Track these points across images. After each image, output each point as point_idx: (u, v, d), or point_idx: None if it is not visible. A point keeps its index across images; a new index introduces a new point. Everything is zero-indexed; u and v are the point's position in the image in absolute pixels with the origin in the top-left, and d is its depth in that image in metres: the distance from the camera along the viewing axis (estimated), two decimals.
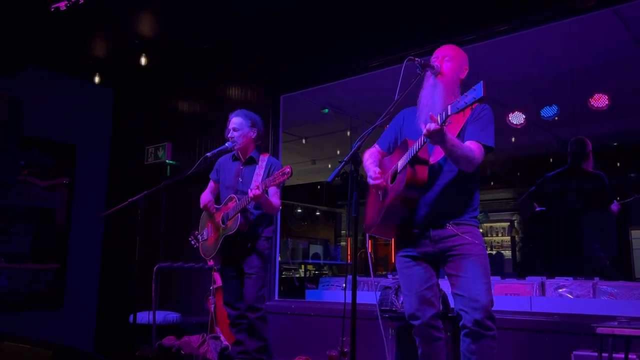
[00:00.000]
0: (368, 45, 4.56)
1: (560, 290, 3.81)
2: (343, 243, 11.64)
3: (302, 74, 5.04)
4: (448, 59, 2.61)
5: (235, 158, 3.79)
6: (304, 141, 7.70)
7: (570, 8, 3.59)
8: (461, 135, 2.52)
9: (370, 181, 2.58)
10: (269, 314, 3.74)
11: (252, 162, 3.69)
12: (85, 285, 6.43)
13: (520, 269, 7.80)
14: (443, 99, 2.50)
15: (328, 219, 12.30)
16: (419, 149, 2.39)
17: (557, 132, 6.67)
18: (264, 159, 3.69)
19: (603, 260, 4.36)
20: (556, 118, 5.84)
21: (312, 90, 5.17)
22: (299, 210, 11.43)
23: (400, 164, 2.52)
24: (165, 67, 6.12)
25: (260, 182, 3.42)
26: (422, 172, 2.46)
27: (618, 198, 4.62)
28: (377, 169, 2.61)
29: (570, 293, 3.77)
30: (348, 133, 7.27)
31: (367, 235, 2.82)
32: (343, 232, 11.82)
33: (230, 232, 3.48)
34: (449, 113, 2.20)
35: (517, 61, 4.91)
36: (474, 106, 2.30)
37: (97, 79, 6.37)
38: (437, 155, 2.56)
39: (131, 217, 4.04)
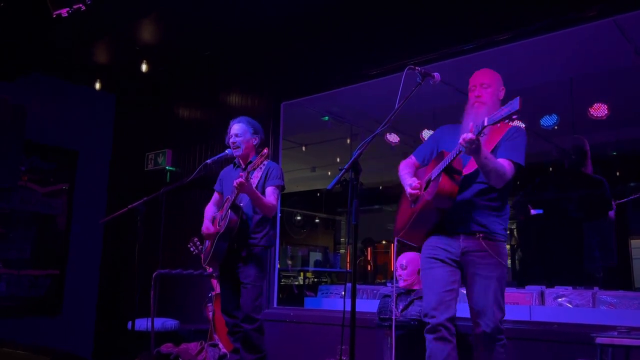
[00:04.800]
0: (369, 54, 4.58)
1: (560, 299, 3.80)
2: (342, 250, 11.61)
3: (302, 81, 5.06)
4: (486, 86, 2.74)
5: (237, 166, 3.79)
6: (304, 148, 7.71)
7: (570, 18, 3.60)
8: (494, 152, 2.65)
9: (409, 190, 2.69)
10: (268, 322, 3.73)
11: None
12: (84, 291, 6.41)
13: (520, 277, 7.77)
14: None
15: (327, 226, 12.29)
16: (454, 158, 2.49)
17: (556, 141, 6.67)
18: (262, 164, 3.68)
19: (599, 270, 4.38)
20: (556, 127, 5.85)
21: (312, 97, 5.18)
22: (299, 218, 11.42)
23: (435, 172, 2.62)
24: (166, 74, 6.14)
25: (256, 183, 3.42)
26: (455, 181, 2.56)
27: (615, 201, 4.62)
28: (417, 180, 2.73)
29: (570, 302, 3.76)
30: (348, 141, 7.27)
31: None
32: (342, 239, 11.79)
33: (222, 230, 3.42)
34: (486, 124, 2.33)
35: (517, 70, 4.91)
36: (509, 125, 2.46)
37: (98, 85, 6.40)
38: (470, 167, 2.67)
39: (131, 224, 4.04)
